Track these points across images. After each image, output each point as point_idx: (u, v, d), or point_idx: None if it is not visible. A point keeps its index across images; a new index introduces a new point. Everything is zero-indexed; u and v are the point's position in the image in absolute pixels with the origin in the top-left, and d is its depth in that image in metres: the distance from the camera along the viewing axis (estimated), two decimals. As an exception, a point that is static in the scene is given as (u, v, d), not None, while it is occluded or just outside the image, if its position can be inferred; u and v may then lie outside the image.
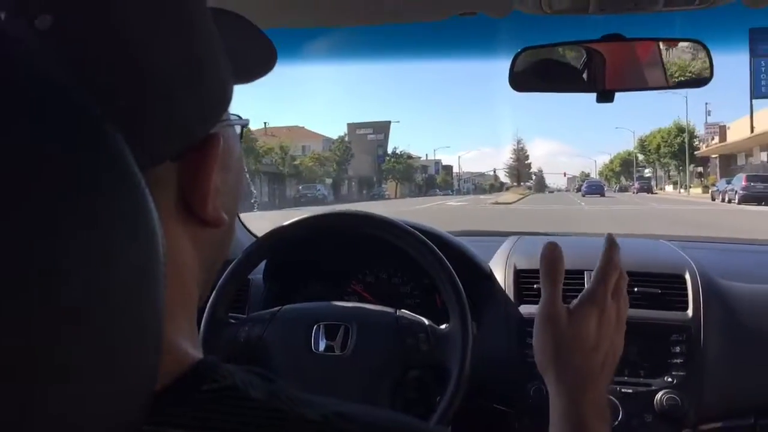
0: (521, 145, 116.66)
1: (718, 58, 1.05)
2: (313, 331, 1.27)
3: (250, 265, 1.37)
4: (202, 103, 0.48)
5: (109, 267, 0.32)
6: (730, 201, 29.17)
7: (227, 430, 0.43)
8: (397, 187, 76.08)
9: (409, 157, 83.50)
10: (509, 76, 1.17)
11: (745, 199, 27.49)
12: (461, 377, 1.18)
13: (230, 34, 0.54)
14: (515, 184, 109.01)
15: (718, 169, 48.34)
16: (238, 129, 0.60)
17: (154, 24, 0.43)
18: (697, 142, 59.94)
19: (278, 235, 1.37)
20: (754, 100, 38.30)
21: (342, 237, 1.49)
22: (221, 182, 0.52)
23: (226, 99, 0.52)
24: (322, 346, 1.25)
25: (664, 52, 1.12)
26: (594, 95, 1.10)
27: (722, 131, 49.65)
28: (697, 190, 49.33)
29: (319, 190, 48.03)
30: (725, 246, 2.07)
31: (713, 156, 52.45)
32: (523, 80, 1.18)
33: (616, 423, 1.34)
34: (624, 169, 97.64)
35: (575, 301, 0.81)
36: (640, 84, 1.13)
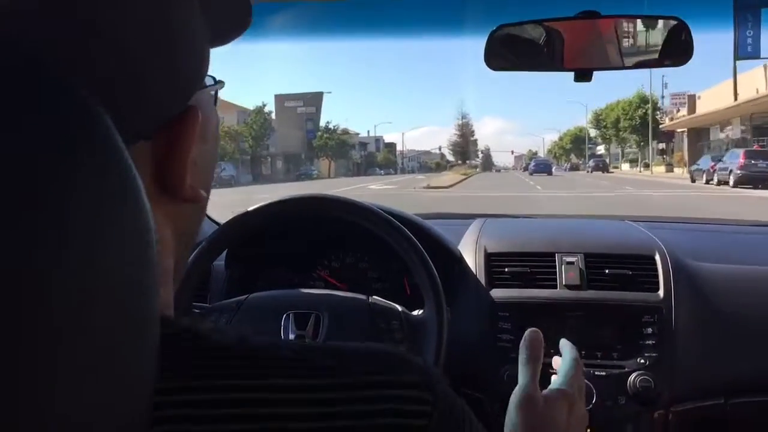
0: (466, 120, 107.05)
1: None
2: (283, 321, 1.23)
3: (213, 254, 1.32)
4: (177, 76, 0.44)
5: (107, 252, 0.31)
6: (720, 183, 23.69)
7: (193, 376, 0.41)
8: (330, 165, 68.80)
9: (345, 132, 74.79)
10: (485, 55, 1.14)
11: (741, 181, 21.93)
12: (436, 365, 1.15)
13: None
14: (460, 162, 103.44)
15: (685, 145, 43.59)
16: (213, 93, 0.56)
17: None
18: (660, 115, 55.13)
19: (241, 222, 1.32)
20: (737, 62, 29.65)
21: (306, 221, 1.45)
22: (199, 155, 0.50)
23: (203, 68, 0.48)
24: (292, 335, 1.21)
25: (644, 30, 1.10)
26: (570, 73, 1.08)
27: (691, 101, 44.37)
28: (659, 168, 46.66)
29: (224, 169, 39.92)
30: (693, 226, 2.10)
31: (679, 130, 46.46)
32: (498, 58, 1.15)
33: (590, 406, 1.33)
34: (575, 146, 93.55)
35: (547, 391, 0.84)
36: (618, 62, 1.11)
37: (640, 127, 55.91)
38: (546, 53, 1.12)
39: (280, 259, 1.63)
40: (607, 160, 67.11)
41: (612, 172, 54.53)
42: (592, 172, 54.89)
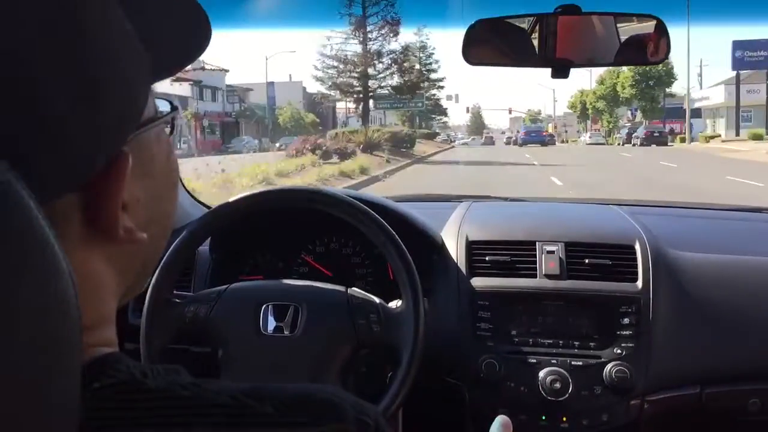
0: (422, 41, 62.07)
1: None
2: (262, 312, 1.24)
3: (197, 241, 1.34)
4: (99, 130, 0.43)
5: (18, 313, 0.31)
6: None
7: (125, 425, 0.42)
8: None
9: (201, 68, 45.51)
10: (462, 49, 1.13)
11: None
12: (413, 359, 1.17)
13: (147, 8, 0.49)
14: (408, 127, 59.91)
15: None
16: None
17: (35, 49, 0.39)
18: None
19: (224, 212, 1.33)
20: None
21: (291, 209, 1.46)
22: (142, 191, 0.49)
23: (136, 111, 0.47)
24: (271, 327, 1.22)
25: (621, 27, 1.10)
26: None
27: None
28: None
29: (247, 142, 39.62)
30: (677, 211, 2.10)
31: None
32: (476, 53, 1.14)
33: (566, 396, 1.35)
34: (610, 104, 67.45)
35: None
36: (595, 59, 1.11)
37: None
38: (524, 49, 1.12)
39: (266, 245, 1.64)
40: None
41: (671, 144, 39.08)
42: (640, 144, 38.24)
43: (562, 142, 64.03)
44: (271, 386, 0.46)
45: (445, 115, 70.04)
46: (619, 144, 46.15)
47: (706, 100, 48.73)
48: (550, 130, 71.61)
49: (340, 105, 46.10)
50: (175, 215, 0.60)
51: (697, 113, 50.46)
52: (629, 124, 58.48)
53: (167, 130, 0.56)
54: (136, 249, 0.51)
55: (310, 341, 1.21)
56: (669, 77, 53.03)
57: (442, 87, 51.10)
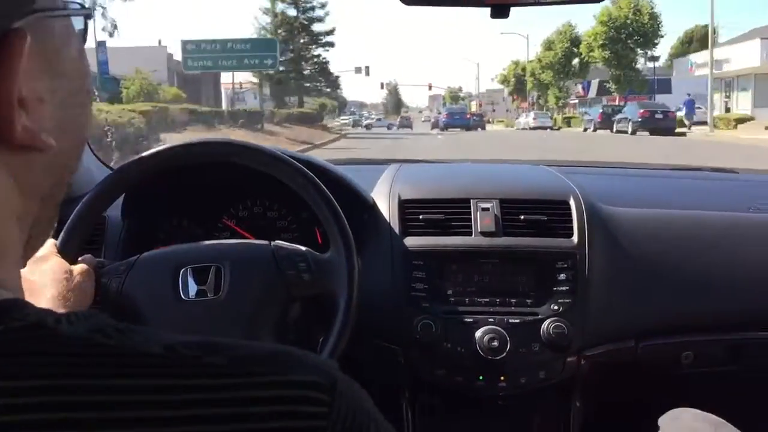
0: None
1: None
2: (180, 277, 1.15)
3: (104, 203, 1.22)
4: None
5: None
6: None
7: (32, 376, 0.35)
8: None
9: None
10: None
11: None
12: (350, 304, 1.12)
13: None
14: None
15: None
16: (78, 21, 0.47)
17: None
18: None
19: (136, 167, 1.21)
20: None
21: (211, 168, 1.37)
22: (48, 91, 0.42)
23: None
24: (192, 291, 1.14)
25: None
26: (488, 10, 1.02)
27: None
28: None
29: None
30: (607, 170, 2.11)
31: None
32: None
33: (504, 354, 1.32)
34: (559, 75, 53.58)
35: None
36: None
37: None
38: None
39: (183, 209, 1.53)
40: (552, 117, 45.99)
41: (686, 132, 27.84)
42: (632, 132, 27.77)
43: (488, 122, 55.72)
44: (225, 340, 0.40)
45: (336, 87, 44.57)
46: (587, 130, 34.62)
47: (726, 65, 32.12)
48: (474, 109, 66.79)
49: (227, 78, 33.41)
50: (87, 131, 0.50)
51: (665, 86, 41.27)
52: (577, 100, 52.74)
53: (79, 32, 0.47)
54: (43, 160, 0.43)
55: (236, 301, 1.13)
56: (654, 34, 38.51)
57: (330, 45, 36.01)
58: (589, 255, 1.40)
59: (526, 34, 61.49)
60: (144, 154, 1.23)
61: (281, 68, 31.28)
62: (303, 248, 1.19)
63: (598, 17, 39.27)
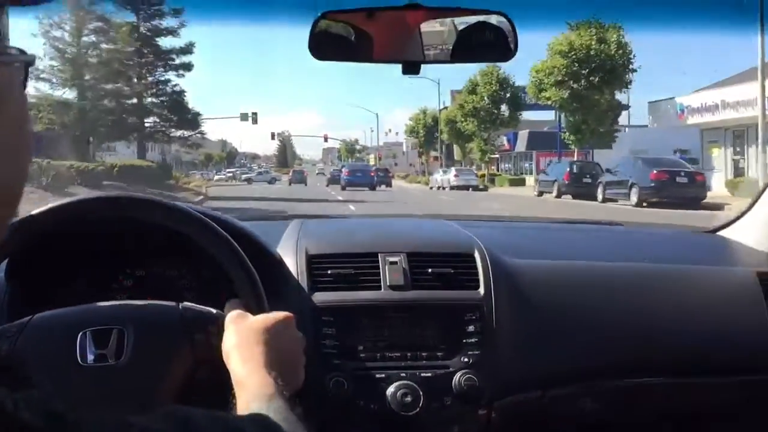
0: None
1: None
2: (79, 340, 1.06)
3: None
4: None
5: None
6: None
7: None
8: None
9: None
10: (309, 43, 1.07)
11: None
12: None
13: None
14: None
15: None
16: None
17: None
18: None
19: (24, 227, 1.12)
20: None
21: (107, 225, 1.29)
22: None
23: None
24: (91, 356, 1.06)
25: (472, 24, 1.08)
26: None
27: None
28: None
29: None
30: (507, 224, 2.17)
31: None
32: (324, 48, 1.09)
33: (417, 409, 1.31)
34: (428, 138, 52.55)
35: None
36: (446, 56, 1.09)
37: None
38: (373, 44, 1.08)
39: (75, 270, 1.43)
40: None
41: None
42: (649, 204, 19.12)
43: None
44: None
45: (193, 126, 32.53)
46: (543, 194, 26.02)
47: (730, 111, 23.97)
48: (372, 162, 60.14)
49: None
50: (23, 184, 0.47)
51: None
52: (498, 155, 45.33)
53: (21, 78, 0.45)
54: None
55: (139, 367, 1.06)
56: (624, 68, 28.38)
57: (186, 68, 27.61)
58: (495, 306, 1.42)
59: (437, 79, 47.90)
60: (33, 212, 1.14)
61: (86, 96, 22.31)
62: (213, 310, 1.13)
63: (553, 46, 28.44)
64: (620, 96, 30.89)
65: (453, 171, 38.24)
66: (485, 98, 39.33)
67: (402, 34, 1.05)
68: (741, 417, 1.59)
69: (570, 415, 1.52)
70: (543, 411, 1.47)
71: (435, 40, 1.08)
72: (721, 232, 1.89)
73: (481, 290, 1.44)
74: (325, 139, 72.34)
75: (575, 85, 28.23)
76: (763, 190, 1.74)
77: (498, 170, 44.78)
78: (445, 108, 48.28)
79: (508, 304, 1.44)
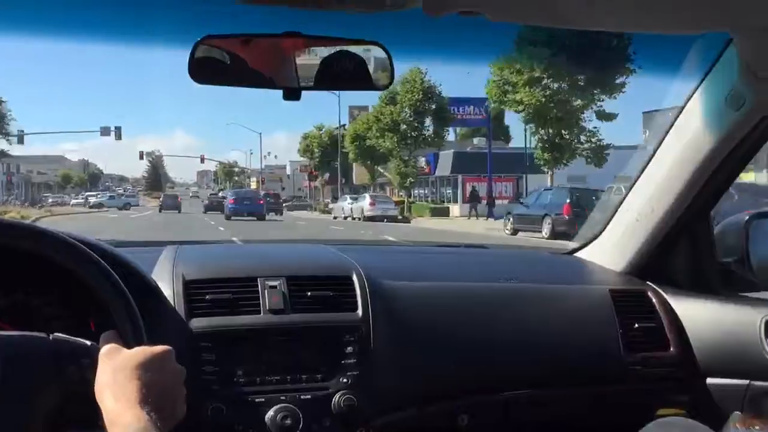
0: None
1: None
2: None
3: None
4: None
5: None
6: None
7: None
8: None
9: None
10: (189, 66, 1.07)
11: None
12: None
13: None
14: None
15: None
16: None
17: None
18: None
19: None
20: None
21: None
22: None
23: None
24: None
25: (351, 52, 1.13)
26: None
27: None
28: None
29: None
30: (382, 248, 2.24)
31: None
32: (203, 71, 1.09)
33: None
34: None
35: None
36: (325, 83, 1.13)
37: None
38: (253, 70, 1.10)
39: None
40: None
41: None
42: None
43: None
44: None
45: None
46: (514, 232, 19.53)
47: None
48: (254, 187, 54.20)
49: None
50: None
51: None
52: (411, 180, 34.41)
53: None
54: None
55: (6, 401, 1.00)
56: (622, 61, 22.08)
57: None
58: (374, 327, 1.46)
59: (338, 92, 28.69)
60: None
61: None
62: (88, 342, 1.09)
63: (524, 34, 21.22)
64: (611, 103, 24.52)
65: (367, 198, 31.32)
66: (406, 109, 32.39)
67: (282, 61, 1.08)
68: (597, 425, 1.70)
69: (447, 430, 1.58)
70: (420, 428, 1.51)
71: (313, 67, 1.12)
72: (578, 254, 2.03)
73: (359, 312, 1.47)
74: (202, 161, 66.01)
75: (556, 85, 22.58)
76: (612, 215, 1.89)
77: (410, 196, 36.41)
78: (343, 126, 42.15)
79: (385, 325, 1.49)
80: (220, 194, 45.99)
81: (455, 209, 32.42)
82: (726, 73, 1.49)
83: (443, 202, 36.78)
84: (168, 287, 1.43)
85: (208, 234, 19.52)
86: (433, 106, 32.79)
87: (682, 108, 1.63)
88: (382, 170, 38.54)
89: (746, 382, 1.60)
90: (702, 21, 1.16)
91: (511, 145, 39.73)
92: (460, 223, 25.15)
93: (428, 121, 33.24)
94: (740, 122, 1.52)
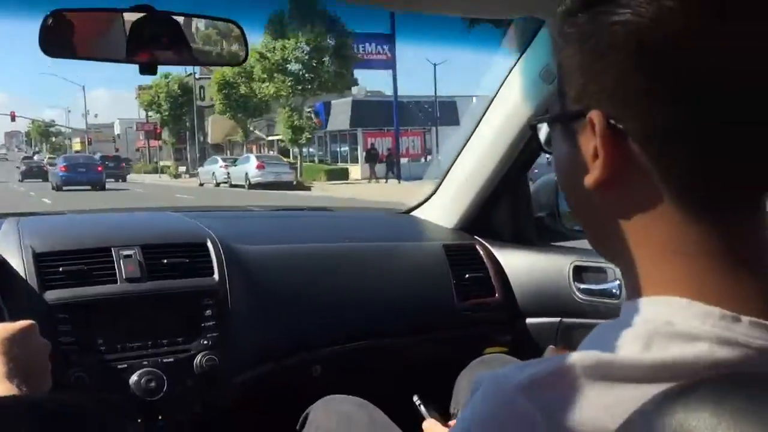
0: None
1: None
2: None
3: None
4: None
5: None
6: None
7: None
8: None
9: None
10: (39, 39, 1.06)
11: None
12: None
13: None
14: None
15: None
16: None
17: None
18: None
19: None
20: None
21: None
22: None
23: None
24: None
25: (199, 29, 1.17)
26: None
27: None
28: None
29: None
30: (234, 213, 2.29)
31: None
32: (55, 45, 1.09)
33: (162, 394, 1.38)
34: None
35: None
36: (177, 58, 1.16)
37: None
38: (108, 43, 1.11)
39: None
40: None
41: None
42: None
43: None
44: None
45: None
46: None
47: None
48: (78, 148, 48.35)
49: None
50: None
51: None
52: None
53: None
54: None
55: None
56: None
57: None
58: (230, 290, 1.53)
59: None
60: None
61: None
62: None
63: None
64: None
65: (253, 160, 25.65)
66: (303, 45, 25.26)
67: (136, 36, 1.09)
68: (432, 365, 1.88)
69: (303, 384, 1.68)
70: (279, 381, 1.61)
71: (166, 42, 1.15)
72: (414, 212, 2.19)
73: (216, 276, 1.53)
74: (13, 118, 55.13)
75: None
76: (445, 175, 2.07)
77: (301, 155, 29.46)
78: (193, 74, 35.97)
79: (241, 288, 1.56)
80: (36, 158, 41.74)
81: (355, 171, 27.04)
82: (540, 51, 1.69)
83: (337, 162, 30.85)
84: (17, 261, 1.41)
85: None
86: (332, 42, 25.85)
87: (503, 81, 1.82)
88: (252, 128, 32.67)
89: (558, 319, 1.84)
90: (516, 7, 1.32)
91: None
92: (373, 189, 21.73)
93: (327, 61, 26.12)
94: (552, 94, 1.73)
